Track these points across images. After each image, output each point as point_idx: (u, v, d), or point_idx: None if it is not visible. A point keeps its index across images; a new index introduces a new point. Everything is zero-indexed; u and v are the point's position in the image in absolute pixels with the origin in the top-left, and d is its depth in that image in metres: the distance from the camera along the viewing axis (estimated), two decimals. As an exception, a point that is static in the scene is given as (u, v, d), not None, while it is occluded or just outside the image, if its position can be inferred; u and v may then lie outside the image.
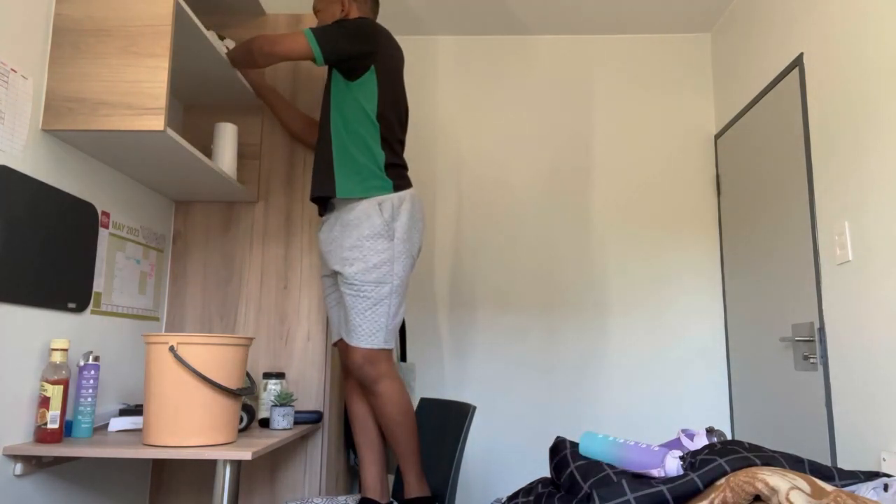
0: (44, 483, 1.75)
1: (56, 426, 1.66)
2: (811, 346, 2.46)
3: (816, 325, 2.42)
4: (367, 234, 1.98)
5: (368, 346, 1.96)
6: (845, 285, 2.25)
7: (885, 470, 2.01)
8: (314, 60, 2.06)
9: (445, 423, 2.23)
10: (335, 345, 2.18)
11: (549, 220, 3.42)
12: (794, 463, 1.48)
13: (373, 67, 2.07)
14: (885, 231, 2.05)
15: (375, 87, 2.07)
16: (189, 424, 1.63)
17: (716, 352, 3.29)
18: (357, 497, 2.11)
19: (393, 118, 2.10)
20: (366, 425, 2.12)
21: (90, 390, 1.80)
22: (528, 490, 1.75)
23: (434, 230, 3.45)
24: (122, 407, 2.08)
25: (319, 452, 2.31)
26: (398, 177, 2.08)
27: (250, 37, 2.42)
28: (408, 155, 3.50)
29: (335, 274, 2.11)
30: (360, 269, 1.96)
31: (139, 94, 1.76)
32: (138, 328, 2.25)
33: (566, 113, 3.51)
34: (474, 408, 2.21)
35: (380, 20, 3.44)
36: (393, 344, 2.03)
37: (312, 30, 2.05)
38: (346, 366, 2.14)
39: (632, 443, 1.58)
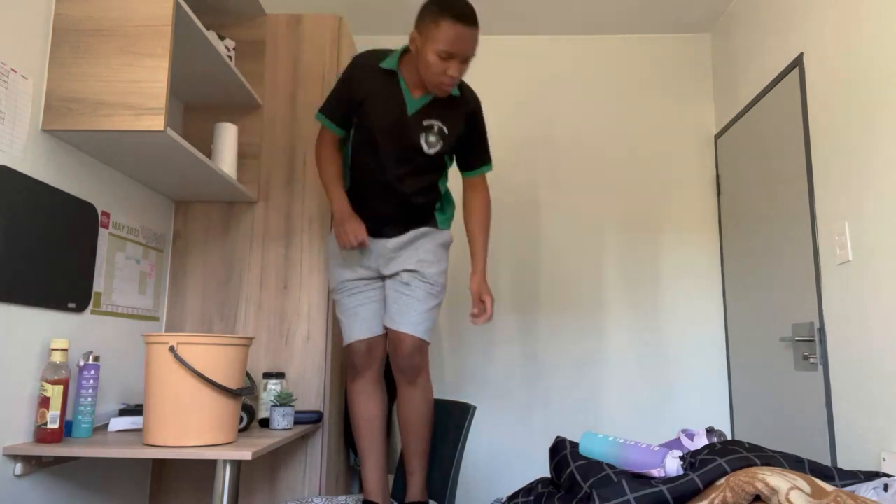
0: (44, 483, 1.75)
1: (56, 426, 1.66)
2: (811, 346, 2.46)
3: (816, 325, 2.42)
4: (441, 243, 2.16)
5: (425, 338, 2.07)
6: (845, 285, 2.25)
7: (885, 470, 2.01)
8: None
9: (445, 423, 2.23)
10: (350, 344, 2.13)
11: (549, 219, 3.42)
12: (794, 463, 1.48)
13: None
14: (885, 231, 2.05)
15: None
16: (189, 424, 1.63)
17: (716, 352, 3.29)
18: (358, 497, 2.11)
19: None
20: (372, 426, 2.12)
21: (90, 390, 1.80)
22: (528, 490, 1.75)
23: (434, 230, 3.45)
24: (122, 407, 2.08)
25: (319, 452, 2.31)
26: None
27: (256, 40, 2.45)
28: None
29: (383, 277, 2.14)
30: (438, 270, 2.12)
31: (139, 94, 1.76)
32: (138, 328, 2.25)
33: (566, 113, 3.51)
34: (474, 408, 2.21)
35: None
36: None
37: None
38: (354, 364, 2.12)
39: (632, 443, 1.58)
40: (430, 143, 2.04)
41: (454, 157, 2.21)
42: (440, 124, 2.04)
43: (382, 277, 2.15)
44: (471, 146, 2.16)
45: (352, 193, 2.16)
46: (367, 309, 2.15)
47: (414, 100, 2.02)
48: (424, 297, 2.08)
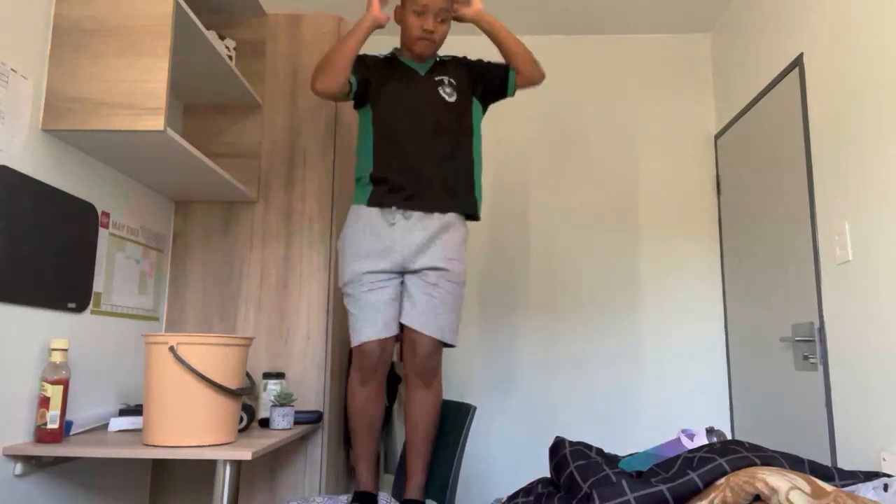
0: (44, 483, 1.75)
1: (56, 426, 1.66)
2: (811, 346, 2.46)
3: (816, 325, 2.42)
4: (464, 239, 2.15)
5: (451, 342, 2.08)
6: (845, 285, 2.25)
7: (885, 470, 2.01)
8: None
9: (446, 423, 2.23)
10: (363, 344, 2.05)
11: (549, 220, 3.42)
12: (794, 463, 1.48)
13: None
14: (885, 231, 2.05)
15: (482, 111, 2.28)
16: (189, 424, 1.63)
17: (716, 352, 3.29)
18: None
19: None
20: (374, 428, 2.14)
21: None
22: (528, 490, 1.75)
23: (434, 230, 3.45)
24: (122, 407, 2.08)
25: (319, 452, 2.31)
26: None
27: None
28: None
29: (405, 273, 2.08)
30: (461, 269, 2.11)
31: (139, 93, 1.76)
32: (138, 328, 2.25)
33: (566, 113, 3.51)
34: (474, 408, 2.21)
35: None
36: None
37: None
38: (364, 366, 2.04)
39: (659, 444, 1.61)
40: (447, 94, 2.16)
41: (479, 105, 2.25)
42: (449, 79, 2.19)
43: (403, 273, 2.09)
44: (487, 74, 2.25)
45: (381, 170, 2.10)
46: (391, 307, 2.05)
47: (420, 65, 2.21)
48: (452, 299, 2.07)
